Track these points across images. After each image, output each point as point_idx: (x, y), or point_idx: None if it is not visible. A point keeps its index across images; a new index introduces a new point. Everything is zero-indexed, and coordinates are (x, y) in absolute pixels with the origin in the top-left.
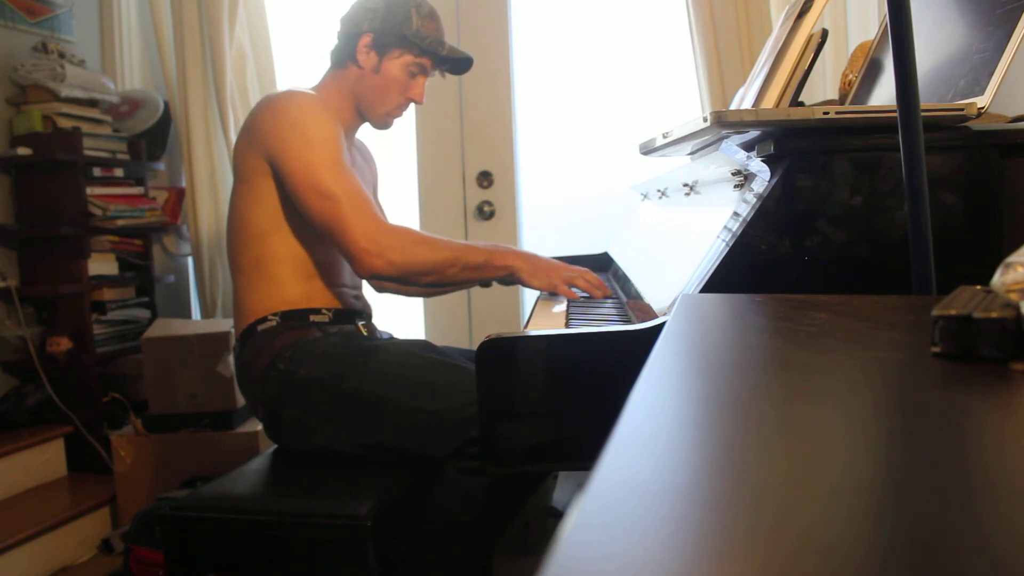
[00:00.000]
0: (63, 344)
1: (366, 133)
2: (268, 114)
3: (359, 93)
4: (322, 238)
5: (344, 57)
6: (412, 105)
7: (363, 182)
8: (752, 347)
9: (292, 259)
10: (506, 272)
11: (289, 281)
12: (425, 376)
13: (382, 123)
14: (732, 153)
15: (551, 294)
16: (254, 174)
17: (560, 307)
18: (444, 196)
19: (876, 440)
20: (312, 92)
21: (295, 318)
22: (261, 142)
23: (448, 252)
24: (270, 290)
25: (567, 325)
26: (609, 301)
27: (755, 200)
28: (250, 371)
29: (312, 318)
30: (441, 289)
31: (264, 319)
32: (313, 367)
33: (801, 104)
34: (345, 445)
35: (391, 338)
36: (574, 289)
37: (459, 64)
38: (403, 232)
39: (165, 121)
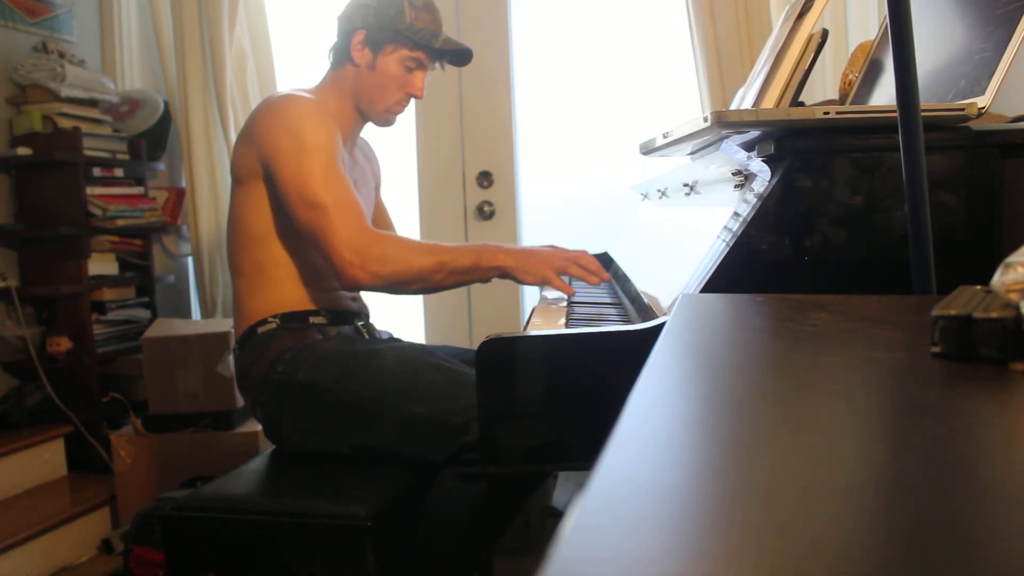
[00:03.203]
0: (63, 344)
1: (368, 132)
2: (265, 118)
3: (357, 91)
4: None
5: (340, 56)
6: (413, 102)
7: (364, 182)
8: (752, 347)
9: (291, 262)
10: (497, 272)
11: (288, 284)
12: (420, 381)
13: (383, 120)
14: (732, 153)
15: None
16: (251, 177)
17: (560, 307)
18: (444, 196)
19: (876, 440)
20: (311, 96)
21: (295, 320)
22: (257, 145)
23: (433, 258)
24: (269, 293)
25: (567, 325)
26: (608, 302)
27: (755, 200)
28: (249, 374)
29: (311, 320)
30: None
31: (264, 321)
32: (311, 371)
33: (801, 104)
34: (342, 448)
35: (391, 338)
36: (570, 279)
37: (458, 56)
38: (389, 240)
39: (165, 121)
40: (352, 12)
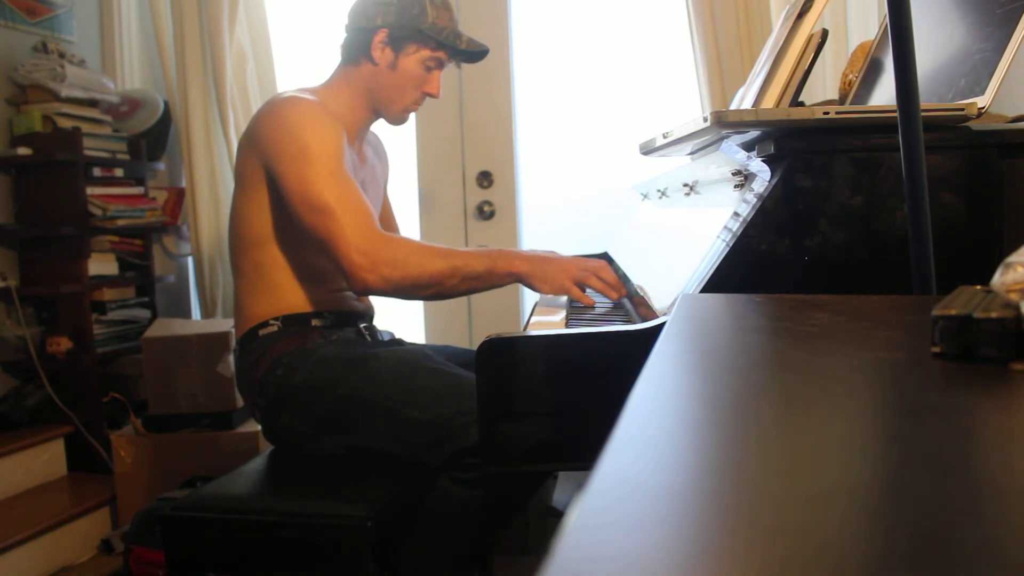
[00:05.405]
0: (63, 344)
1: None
2: (268, 120)
3: (374, 90)
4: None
5: (357, 54)
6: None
7: (373, 182)
8: (752, 347)
9: (293, 264)
10: (512, 279)
11: (290, 286)
12: (417, 385)
13: (398, 119)
14: (732, 153)
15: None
16: (254, 180)
17: (560, 307)
18: (444, 196)
19: (876, 440)
20: (315, 96)
21: (297, 323)
22: (260, 148)
23: (446, 263)
24: (271, 295)
25: (567, 325)
26: (609, 302)
27: (755, 200)
28: (249, 375)
29: (314, 322)
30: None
31: (265, 324)
32: (309, 373)
33: (801, 104)
34: (340, 450)
35: (392, 340)
36: (588, 291)
37: (476, 55)
38: (400, 244)
39: (165, 121)
40: (371, 11)
